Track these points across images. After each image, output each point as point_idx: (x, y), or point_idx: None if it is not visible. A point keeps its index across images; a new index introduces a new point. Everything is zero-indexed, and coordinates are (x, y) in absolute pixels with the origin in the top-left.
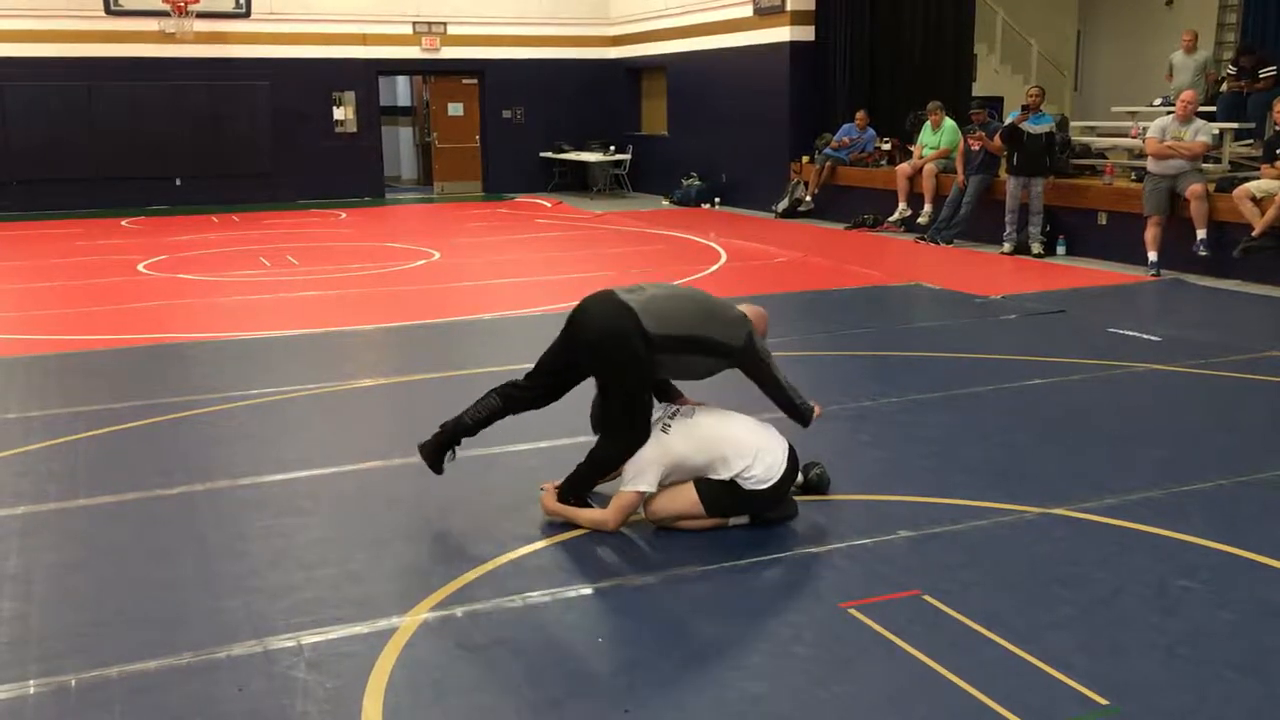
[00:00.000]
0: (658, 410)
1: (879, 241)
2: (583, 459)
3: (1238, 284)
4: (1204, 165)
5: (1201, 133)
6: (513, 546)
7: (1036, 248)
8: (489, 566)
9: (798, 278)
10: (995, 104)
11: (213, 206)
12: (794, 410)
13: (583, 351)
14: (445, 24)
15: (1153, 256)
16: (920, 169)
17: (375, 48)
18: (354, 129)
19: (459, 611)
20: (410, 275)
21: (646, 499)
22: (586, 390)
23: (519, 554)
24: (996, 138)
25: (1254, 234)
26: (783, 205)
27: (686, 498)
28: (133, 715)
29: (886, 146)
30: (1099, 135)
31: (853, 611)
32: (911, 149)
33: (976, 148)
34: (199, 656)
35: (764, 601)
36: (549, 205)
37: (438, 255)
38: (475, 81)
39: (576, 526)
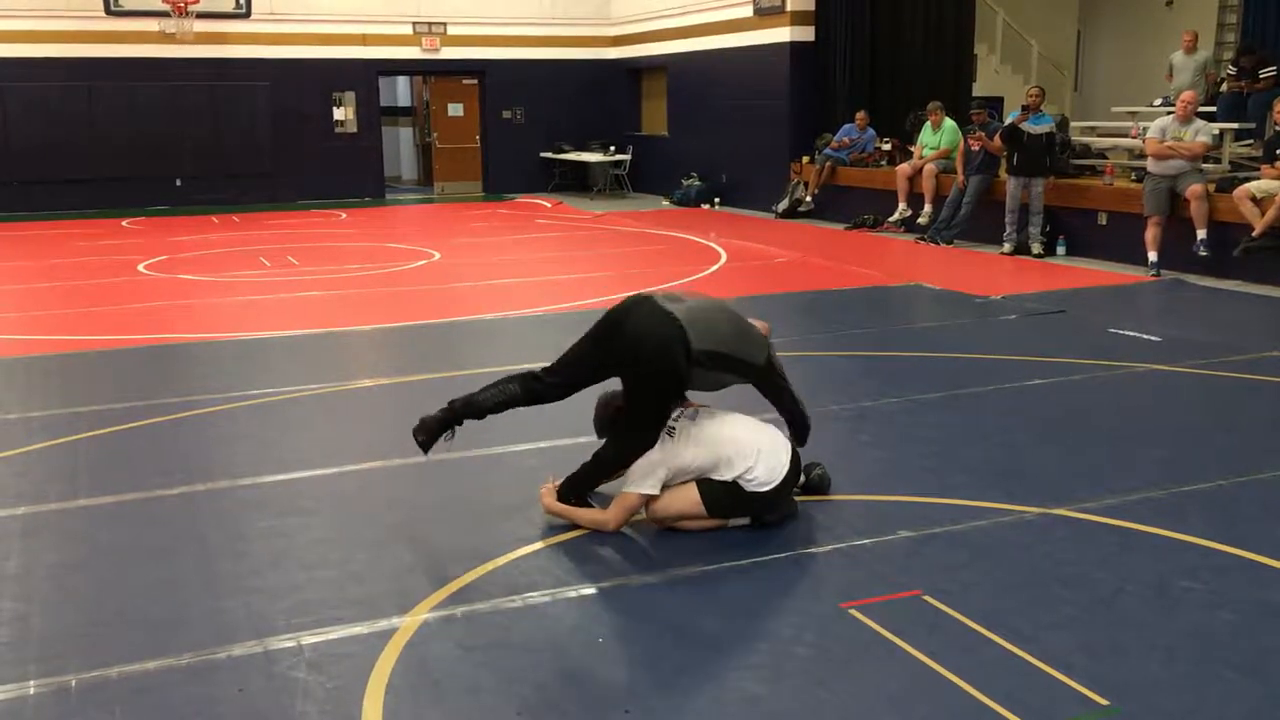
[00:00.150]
0: None
1: (879, 242)
2: (587, 459)
3: (1238, 284)
4: (1204, 165)
5: (1202, 133)
6: (513, 546)
7: (1037, 248)
8: (489, 567)
9: (798, 278)
10: (995, 104)
11: (213, 207)
12: (803, 428)
13: (621, 356)
14: (445, 24)
15: (1153, 257)
16: (920, 169)
17: (375, 48)
18: (354, 129)
19: (459, 612)
20: (410, 275)
21: (647, 499)
22: (588, 390)
23: (519, 554)
24: (996, 138)
25: (1254, 234)
26: (783, 205)
27: (688, 498)
28: (133, 715)
29: (887, 147)
30: (1099, 135)
31: (853, 612)
32: (912, 149)
33: (976, 148)
34: (199, 657)
35: (764, 601)
36: (549, 205)
37: (438, 255)
38: (475, 82)
39: (576, 526)
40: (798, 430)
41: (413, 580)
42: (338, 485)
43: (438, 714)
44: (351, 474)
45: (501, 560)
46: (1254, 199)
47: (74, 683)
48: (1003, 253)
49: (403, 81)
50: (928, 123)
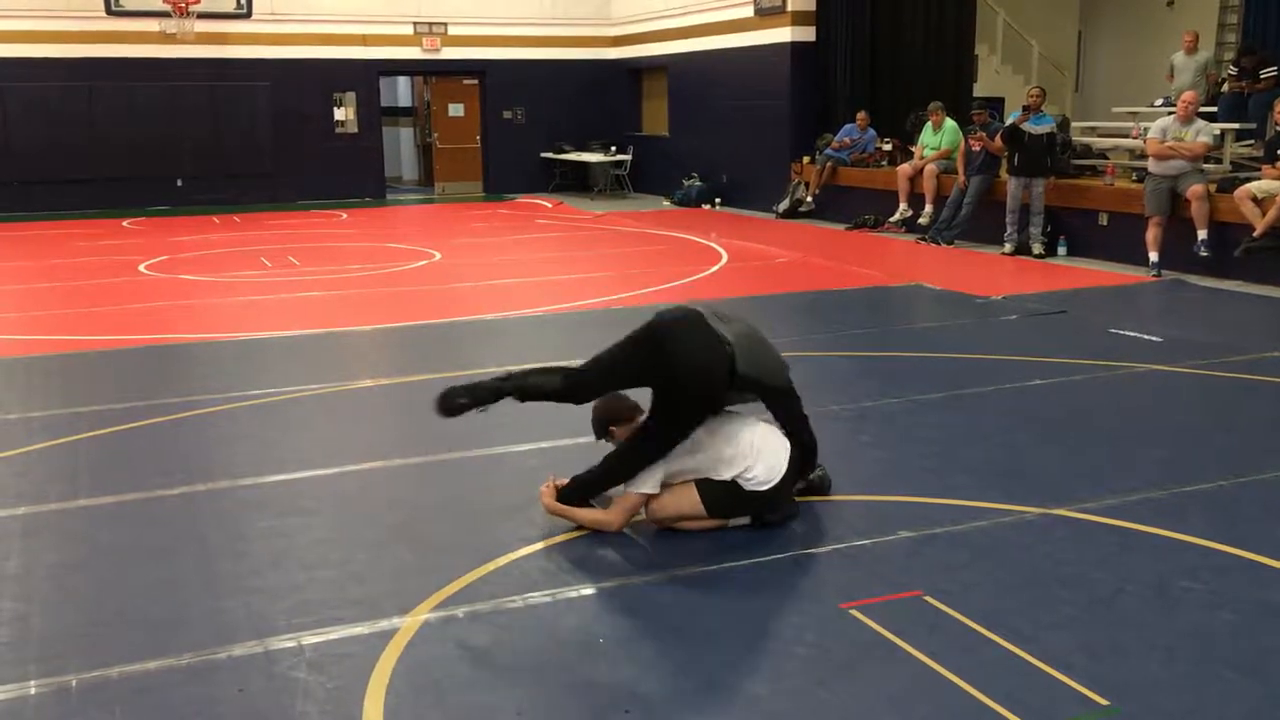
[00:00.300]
0: None
1: (880, 242)
2: (595, 463)
3: (1239, 284)
4: (1205, 166)
5: (1202, 133)
6: (513, 547)
7: (1037, 248)
8: (490, 567)
9: (799, 278)
10: (996, 104)
11: (214, 207)
12: (812, 448)
13: (664, 372)
14: (446, 24)
15: (1154, 257)
16: (921, 169)
17: (376, 48)
18: (355, 129)
19: (460, 612)
20: (411, 276)
21: (647, 499)
22: None
23: (519, 554)
24: (997, 138)
25: (1255, 234)
26: (783, 206)
27: (688, 498)
28: (133, 715)
29: (887, 147)
30: (1100, 136)
31: (853, 612)
32: (912, 149)
33: (977, 148)
34: (199, 657)
35: (764, 602)
36: (550, 206)
37: (438, 256)
38: (476, 82)
39: (577, 527)
40: (806, 451)
41: (413, 580)
42: (338, 485)
43: (438, 714)
44: (352, 474)
45: (502, 560)
46: (1255, 199)
47: (74, 683)
48: (1003, 253)
49: (403, 82)
50: (928, 123)
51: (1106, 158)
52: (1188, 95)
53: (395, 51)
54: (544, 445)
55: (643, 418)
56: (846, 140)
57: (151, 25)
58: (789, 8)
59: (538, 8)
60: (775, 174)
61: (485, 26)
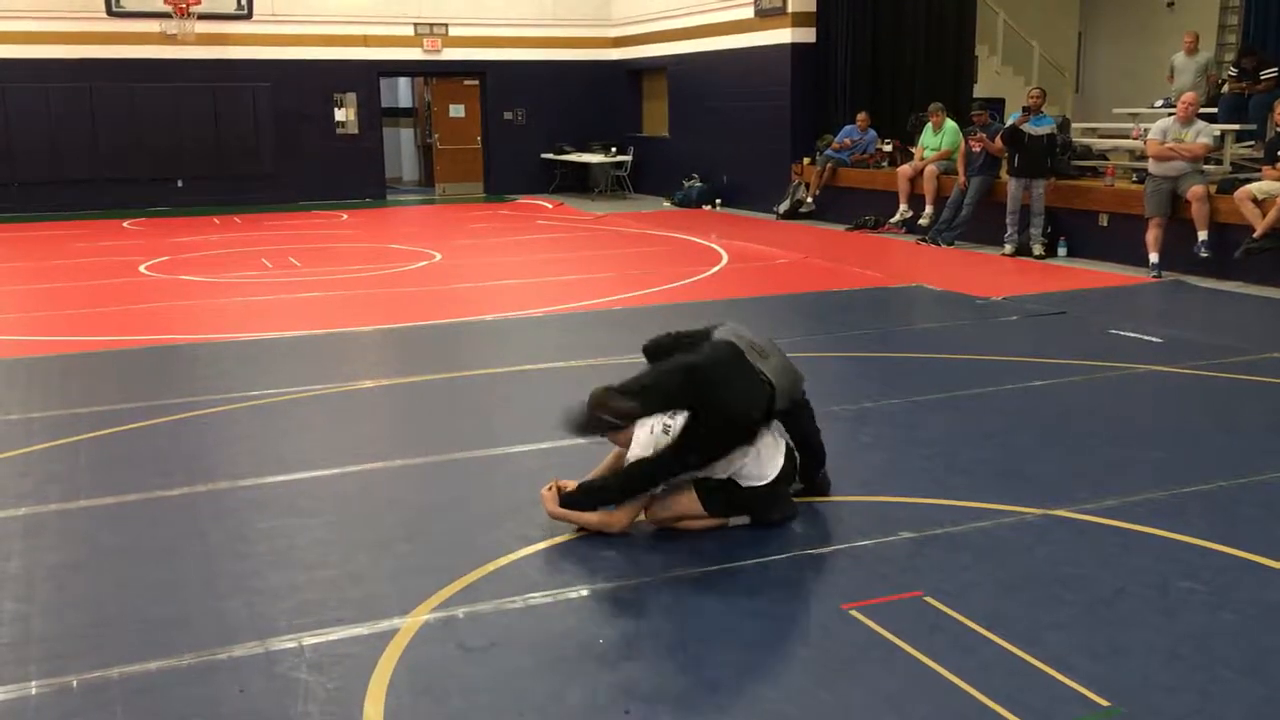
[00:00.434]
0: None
1: (880, 243)
2: (609, 475)
3: (1239, 286)
4: (1205, 167)
5: (1203, 134)
6: (514, 547)
7: (1038, 249)
8: (490, 568)
9: (799, 279)
10: (996, 105)
11: (214, 208)
12: (821, 459)
13: (704, 406)
14: (447, 25)
15: (1154, 258)
16: (921, 170)
17: (377, 49)
18: (355, 130)
19: (460, 613)
20: (412, 277)
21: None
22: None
23: (520, 555)
24: (998, 139)
25: (1255, 235)
26: (784, 206)
27: (686, 498)
28: (134, 716)
29: (888, 148)
30: (1100, 137)
31: (854, 613)
32: (913, 150)
33: (978, 149)
34: (200, 657)
35: (764, 602)
36: (550, 207)
37: (439, 257)
38: (477, 83)
39: (579, 528)
40: (815, 461)
41: (414, 581)
42: (339, 486)
43: (439, 715)
44: (353, 474)
45: (503, 561)
46: (1255, 200)
47: (75, 683)
48: (1004, 254)
49: (404, 82)
50: (929, 124)
51: (1107, 159)
52: (1188, 96)
53: (396, 52)
54: (544, 446)
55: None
56: (847, 141)
57: (152, 26)
58: (789, 9)
59: (538, 9)
60: (776, 175)
61: (486, 27)
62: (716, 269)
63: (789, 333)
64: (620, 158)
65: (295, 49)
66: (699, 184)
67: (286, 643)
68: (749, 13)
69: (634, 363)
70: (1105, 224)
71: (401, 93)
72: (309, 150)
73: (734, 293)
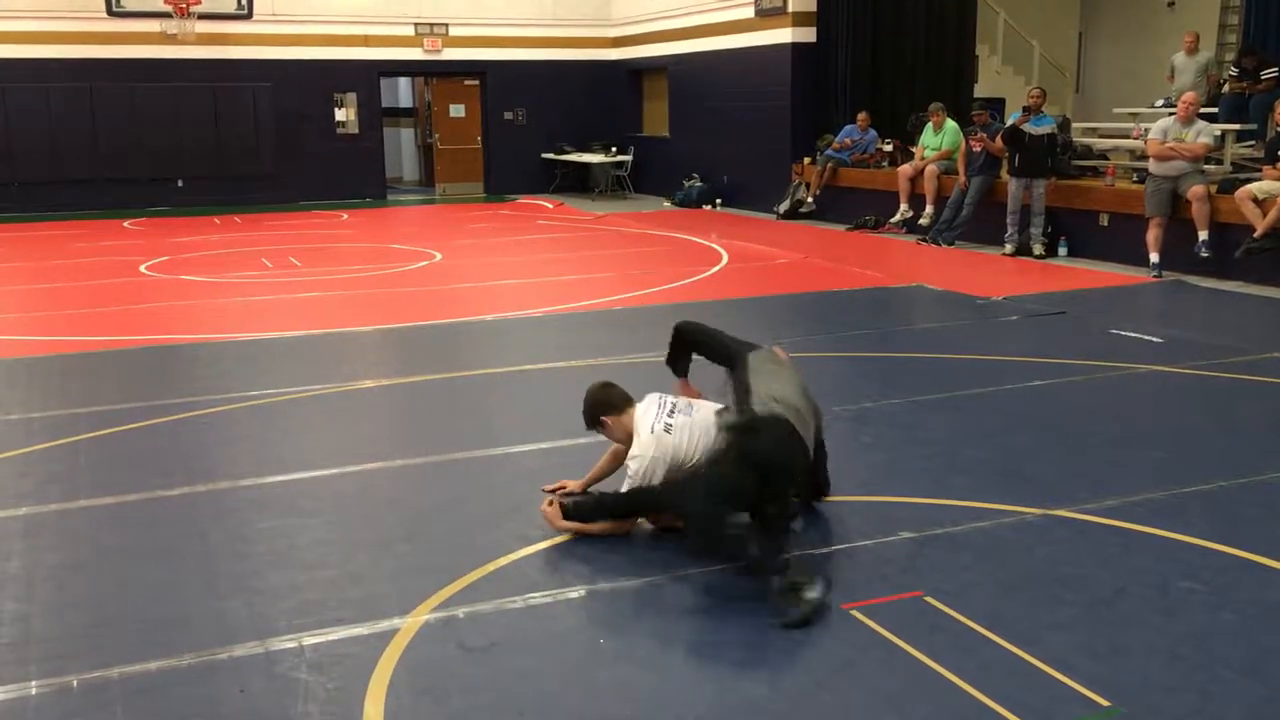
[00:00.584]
0: (657, 410)
1: (880, 243)
2: (611, 494)
3: (1239, 285)
4: (1205, 167)
5: (1203, 134)
6: (514, 547)
7: (1038, 249)
8: (490, 567)
9: (799, 279)
10: (997, 105)
11: (215, 208)
12: (825, 483)
13: (747, 465)
14: (447, 25)
15: (1154, 258)
16: (922, 170)
17: (377, 49)
18: (356, 130)
19: (460, 613)
20: (412, 276)
21: None
22: (580, 389)
23: (520, 555)
24: (998, 139)
25: (1255, 235)
26: (784, 206)
27: None
28: (134, 716)
29: (888, 148)
30: (1100, 136)
31: (854, 612)
32: (913, 150)
33: (978, 149)
34: (200, 657)
35: (765, 602)
36: (550, 207)
37: (439, 256)
38: (477, 83)
39: None
40: (820, 484)
41: (414, 581)
42: (339, 486)
43: (439, 715)
44: (353, 474)
45: (503, 561)
46: (1255, 200)
47: (75, 683)
48: (1004, 254)
49: (404, 82)
50: (929, 124)
51: (1107, 158)
52: (1188, 96)
53: (396, 52)
54: (544, 446)
55: (635, 410)
56: (847, 141)
57: (152, 26)
58: (790, 8)
59: (538, 9)
60: (776, 175)
61: (486, 27)
62: (717, 269)
63: (789, 333)
64: (620, 158)
65: (295, 49)
66: (699, 184)
67: (286, 643)
68: (749, 12)
69: (634, 362)
70: (1106, 224)
71: (402, 93)
72: (309, 150)
73: (734, 293)
